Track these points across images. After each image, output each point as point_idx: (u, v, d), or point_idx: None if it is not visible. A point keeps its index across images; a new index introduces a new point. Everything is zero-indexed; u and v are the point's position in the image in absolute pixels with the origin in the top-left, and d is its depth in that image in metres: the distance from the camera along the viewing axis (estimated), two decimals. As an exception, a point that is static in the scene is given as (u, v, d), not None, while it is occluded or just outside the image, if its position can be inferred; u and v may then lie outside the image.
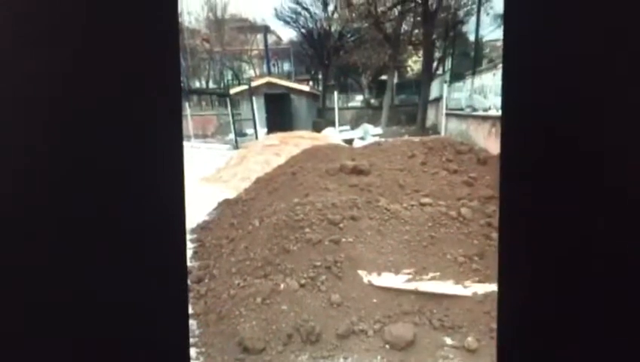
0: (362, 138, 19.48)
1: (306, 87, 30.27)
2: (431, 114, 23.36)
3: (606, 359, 1.36)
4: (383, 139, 10.96)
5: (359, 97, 37.93)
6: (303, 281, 4.64)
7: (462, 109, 14.98)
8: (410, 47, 32.03)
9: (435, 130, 20.47)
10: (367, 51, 30.21)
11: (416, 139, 8.92)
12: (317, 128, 23.56)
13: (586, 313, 1.35)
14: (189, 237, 6.78)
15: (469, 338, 4.07)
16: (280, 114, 26.59)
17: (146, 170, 1.40)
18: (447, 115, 17.70)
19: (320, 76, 37.29)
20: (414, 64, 37.18)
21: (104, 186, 1.42)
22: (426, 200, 5.92)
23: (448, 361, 3.95)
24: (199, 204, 8.38)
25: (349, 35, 33.24)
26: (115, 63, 1.36)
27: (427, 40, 24.10)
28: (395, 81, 32.93)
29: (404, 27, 28.02)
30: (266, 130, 24.14)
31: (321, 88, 34.95)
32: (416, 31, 27.96)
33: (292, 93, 28.05)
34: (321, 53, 33.79)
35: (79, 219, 1.44)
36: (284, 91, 27.84)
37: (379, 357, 3.99)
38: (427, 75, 24.36)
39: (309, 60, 38.25)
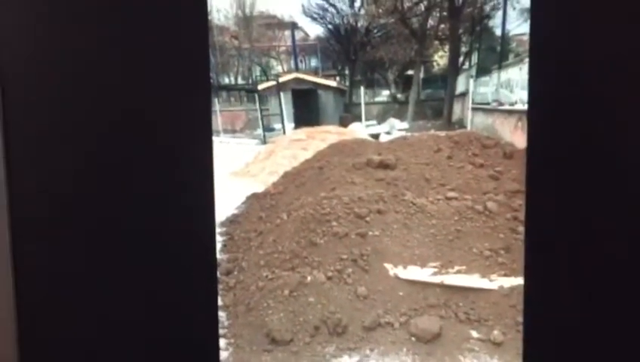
0: (388, 132, 19.33)
1: (333, 83, 30.09)
2: (457, 108, 23.14)
3: (631, 353, 1.38)
4: (409, 134, 10.96)
5: (386, 92, 37.58)
6: (329, 274, 4.68)
7: (488, 103, 14.84)
8: (436, 42, 31.69)
9: (461, 124, 20.27)
10: (394, 46, 30.00)
11: (443, 133, 8.89)
12: (344, 123, 23.40)
13: (611, 307, 1.37)
14: (218, 230, 6.83)
15: (495, 332, 4.08)
16: (307, 109, 26.46)
17: (176, 164, 1.46)
18: (474, 109, 17.55)
19: (347, 71, 37.06)
20: (440, 59, 36.76)
21: (136, 181, 1.48)
22: (452, 194, 5.92)
23: (474, 354, 3.96)
24: (228, 197, 8.43)
25: (375, 31, 32.99)
26: (147, 61, 1.41)
27: (453, 35, 23.91)
28: (422, 75, 32.62)
29: (431, 22, 27.73)
30: (293, 125, 24.07)
31: (347, 83, 34.75)
32: (443, 26, 27.65)
33: (319, 88, 27.90)
34: (348, 49, 33.59)
35: (110, 214, 1.50)
36: (312, 87, 27.69)
37: (405, 350, 4.02)
38: (453, 69, 24.14)
39: (335, 56, 38.02)
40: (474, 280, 4.57)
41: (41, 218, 1.50)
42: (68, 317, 1.55)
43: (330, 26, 34.17)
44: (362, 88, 27.03)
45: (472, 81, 18.50)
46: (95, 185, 1.48)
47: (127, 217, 1.49)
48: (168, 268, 1.52)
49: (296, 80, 27.90)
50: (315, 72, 35.69)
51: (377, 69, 36.97)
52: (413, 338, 4.11)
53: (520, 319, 3.92)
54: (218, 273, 5.24)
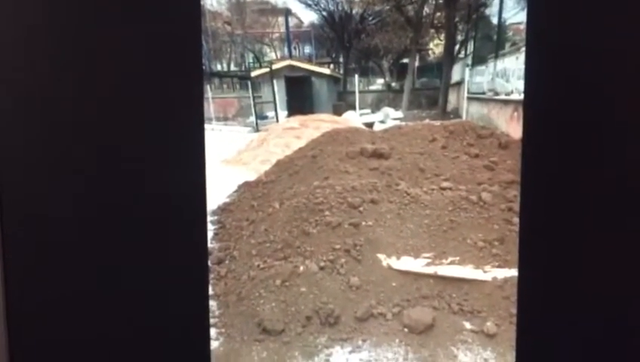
0: (383, 121, 19.32)
1: (326, 70, 30.07)
2: (452, 97, 23.18)
3: (625, 345, 1.36)
4: (403, 123, 10.92)
5: (380, 80, 37.63)
6: (322, 264, 4.66)
7: (484, 93, 14.87)
8: (432, 30, 31.74)
9: (456, 113, 20.33)
10: (389, 34, 30.06)
11: (437, 122, 8.87)
12: (337, 111, 23.39)
13: (606, 300, 1.34)
14: (209, 218, 6.80)
15: (489, 323, 4.06)
16: (301, 97, 26.40)
17: (168, 152, 1.42)
18: (469, 98, 17.59)
19: (341, 59, 37.08)
20: (436, 47, 36.80)
21: (127, 169, 1.44)
22: (447, 184, 5.91)
23: (467, 346, 3.95)
24: (220, 185, 8.41)
25: (370, 18, 32.98)
26: (139, 47, 1.37)
27: (449, 23, 23.88)
28: (417, 64, 32.66)
29: (426, 10, 27.75)
30: (286, 112, 24.05)
31: (342, 71, 34.77)
32: (439, 14, 27.66)
33: (313, 76, 27.85)
34: (342, 36, 33.56)
35: (99, 202, 1.46)
36: (305, 74, 27.64)
37: (397, 341, 4.00)
38: (449, 58, 24.12)
39: (330, 43, 38.01)
40: (467, 271, 4.56)
41: (29, 210, 1.47)
42: (53, 299, 1.52)
43: (324, 13, 34.08)
44: (356, 76, 27.06)
45: (467, 70, 18.53)
46: (84, 174, 1.44)
47: (116, 205, 1.47)
48: (159, 256, 1.49)
49: (290, 67, 27.80)
50: (309, 60, 35.62)
51: (372, 56, 37.02)
52: (405, 329, 4.09)
53: (513, 311, 3.92)
54: (209, 262, 5.22)
